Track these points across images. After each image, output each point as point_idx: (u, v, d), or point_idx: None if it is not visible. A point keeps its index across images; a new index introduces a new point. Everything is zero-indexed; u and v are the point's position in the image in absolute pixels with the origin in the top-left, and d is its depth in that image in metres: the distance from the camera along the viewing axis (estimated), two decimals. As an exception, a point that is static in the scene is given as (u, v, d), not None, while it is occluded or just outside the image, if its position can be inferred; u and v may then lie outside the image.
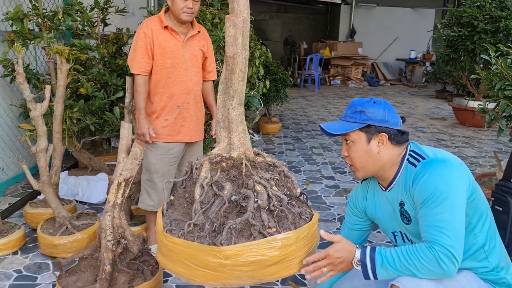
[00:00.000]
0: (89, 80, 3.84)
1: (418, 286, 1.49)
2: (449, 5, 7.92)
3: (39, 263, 2.88)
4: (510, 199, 2.26)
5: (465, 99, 7.71)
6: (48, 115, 3.48)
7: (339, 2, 13.77)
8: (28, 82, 3.58)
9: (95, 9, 4.29)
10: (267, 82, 4.62)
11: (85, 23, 4.19)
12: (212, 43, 3.03)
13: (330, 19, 16.26)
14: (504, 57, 2.96)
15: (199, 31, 2.82)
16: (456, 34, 6.71)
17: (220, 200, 1.57)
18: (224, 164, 1.70)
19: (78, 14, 4.05)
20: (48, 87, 2.89)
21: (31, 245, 3.10)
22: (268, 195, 1.57)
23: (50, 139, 3.05)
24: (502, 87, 2.81)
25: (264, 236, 1.48)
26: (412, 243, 1.70)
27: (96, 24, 4.35)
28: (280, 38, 15.85)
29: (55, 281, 2.65)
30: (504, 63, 2.83)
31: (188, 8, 2.62)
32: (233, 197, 1.58)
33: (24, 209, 3.40)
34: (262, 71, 4.36)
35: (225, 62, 1.72)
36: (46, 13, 3.67)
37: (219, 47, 3.71)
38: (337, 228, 3.49)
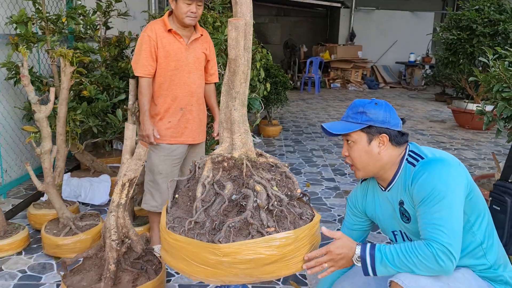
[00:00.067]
0: (92, 82, 3.88)
1: (417, 283, 1.52)
2: (448, 8, 7.96)
3: (43, 263, 2.91)
4: (508, 199, 2.30)
5: (464, 101, 7.75)
6: (51, 117, 3.52)
7: (339, 5, 13.84)
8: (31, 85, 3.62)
9: (98, 13, 4.34)
10: (268, 85, 4.66)
11: (88, 27, 4.24)
12: (214, 46, 3.07)
13: (329, 23, 16.33)
14: (502, 59, 3.00)
15: (202, 35, 2.87)
16: (455, 37, 6.76)
17: (221, 199, 1.61)
18: (225, 164, 1.73)
19: (81, 17, 4.09)
20: (52, 90, 2.93)
21: (35, 245, 3.14)
22: (267, 195, 1.59)
23: (53, 141, 3.08)
24: (500, 89, 2.86)
25: (263, 235, 1.51)
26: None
27: (98, 27, 4.40)
28: (280, 41, 15.92)
29: (59, 281, 2.68)
30: (502, 65, 2.87)
31: (191, 12, 2.67)
32: (234, 196, 1.61)
33: (27, 210, 3.43)
34: (263, 74, 4.41)
35: (228, 64, 1.76)
36: (50, 17, 3.72)
37: (221, 50, 3.75)
38: (338, 229, 3.51)
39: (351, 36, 14.71)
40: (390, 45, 14.99)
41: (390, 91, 13.26)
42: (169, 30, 2.74)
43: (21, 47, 2.80)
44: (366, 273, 1.58)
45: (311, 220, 1.64)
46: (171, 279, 2.73)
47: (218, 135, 3.01)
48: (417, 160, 1.68)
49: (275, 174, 1.75)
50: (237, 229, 1.53)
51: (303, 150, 6.11)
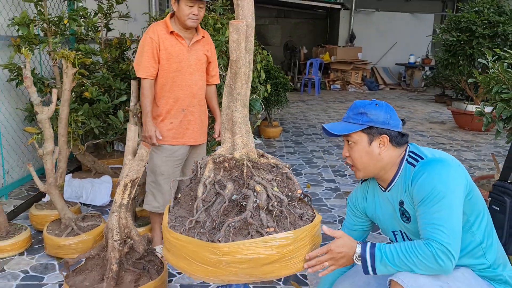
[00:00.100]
0: (94, 84, 3.90)
1: (416, 282, 1.54)
2: (447, 10, 7.98)
3: (45, 263, 2.93)
4: (507, 199, 2.31)
5: (464, 103, 7.77)
6: (53, 119, 3.54)
7: (339, 7, 13.87)
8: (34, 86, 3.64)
9: (99, 14, 4.36)
10: (268, 86, 4.68)
11: (89, 28, 4.26)
12: (215, 48, 3.10)
13: (329, 24, 16.37)
14: (501, 61, 3.02)
15: (203, 36, 2.89)
16: (455, 39, 6.79)
17: (221, 198, 1.63)
18: (226, 164, 1.75)
19: (83, 19, 4.11)
20: (55, 91, 2.95)
21: (36, 246, 3.15)
22: (267, 195, 1.61)
23: (55, 142, 3.10)
24: (499, 91, 2.88)
25: (262, 235, 1.52)
26: None
27: (99, 29, 4.42)
28: (280, 43, 15.96)
29: (61, 281, 2.70)
30: (501, 67, 2.89)
31: (193, 14, 2.69)
32: (234, 196, 1.63)
33: (29, 211, 3.45)
34: (263, 76, 4.43)
35: (229, 65, 1.78)
36: (52, 19, 3.74)
37: (221, 52, 3.78)
38: (338, 230, 3.53)
39: (351, 37, 14.75)
40: (390, 47, 15.02)
41: (390, 93, 13.29)
42: (171, 32, 2.76)
43: (23, 49, 2.82)
44: (366, 271, 1.59)
45: (312, 221, 1.65)
46: (172, 279, 2.74)
47: (219, 136, 3.03)
48: (417, 161, 1.69)
49: (276, 175, 1.76)
50: (236, 229, 1.55)
51: (304, 151, 6.13)
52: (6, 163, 3.94)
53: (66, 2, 4.66)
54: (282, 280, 2.75)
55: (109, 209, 3.83)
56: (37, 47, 3.66)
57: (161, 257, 2.47)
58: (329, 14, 16.07)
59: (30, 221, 3.41)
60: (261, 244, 1.50)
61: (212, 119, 3.34)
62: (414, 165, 1.69)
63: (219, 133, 3.03)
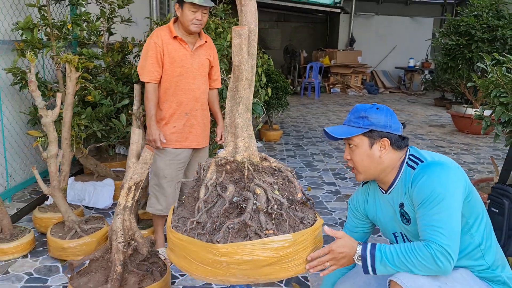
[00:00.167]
0: (96, 88, 3.93)
1: (416, 282, 1.56)
2: (447, 14, 8.03)
3: (49, 265, 2.95)
4: (506, 201, 2.34)
5: (464, 106, 7.81)
6: (56, 122, 3.57)
7: (338, 11, 13.93)
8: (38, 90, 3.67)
9: (101, 19, 4.40)
10: (269, 90, 4.71)
11: (92, 32, 4.30)
12: (217, 52, 3.13)
13: (329, 28, 16.43)
14: (500, 65, 3.06)
15: (206, 41, 2.93)
16: (454, 43, 6.83)
17: (222, 200, 1.66)
18: (228, 167, 1.78)
19: (86, 23, 4.15)
20: (59, 95, 2.99)
21: (40, 248, 3.18)
22: (267, 198, 1.63)
23: (58, 146, 3.13)
24: (497, 94, 2.91)
25: (260, 237, 1.54)
26: None
27: (102, 33, 4.46)
28: (280, 47, 16.02)
29: (65, 283, 2.73)
30: (500, 71, 2.93)
31: (197, 19, 2.73)
32: (235, 199, 1.66)
33: (33, 213, 3.47)
34: (264, 79, 4.46)
35: (232, 70, 1.81)
36: (55, 23, 3.78)
37: (223, 56, 3.81)
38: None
39: (351, 41, 14.80)
40: (390, 51, 15.08)
41: (390, 96, 13.33)
42: (175, 37, 2.80)
43: (28, 53, 2.86)
44: (366, 271, 1.62)
45: (312, 224, 1.67)
46: (175, 281, 2.77)
47: (221, 139, 3.06)
48: (417, 164, 1.72)
49: (278, 178, 1.78)
50: (235, 231, 1.57)
51: (304, 154, 6.16)
52: (9, 166, 3.97)
53: (68, 7, 4.70)
54: (283, 282, 2.77)
55: (112, 212, 3.87)
56: (41, 51, 3.70)
57: (164, 259, 2.50)
58: (329, 18, 16.13)
59: (34, 224, 3.44)
60: (259, 246, 1.52)
61: (213, 123, 3.37)
62: (414, 168, 1.72)
63: (221, 137, 3.07)
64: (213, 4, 2.94)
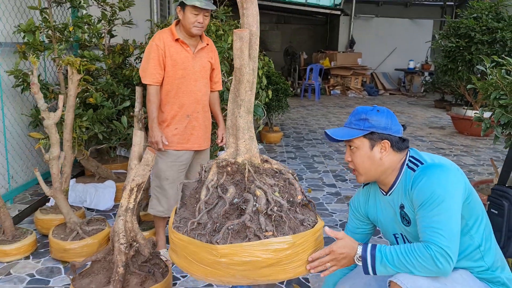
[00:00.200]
0: (97, 90, 3.95)
1: (415, 283, 1.58)
2: (446, 16, 8.05)
3: (51, 267, 2.97)
4: (505, 203, 2.35)
5: (463, 108, 7.83)
6: (58, 124, 3.59)
7: (338, 13, 13.97)
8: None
9: (102, 21, 4.42)
10: (270, 92, 4.73)
11: (93, 35, 4.32)
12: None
13: (329, 30, 16.47)
14: (499, 67, 3.08)
15: (207, 44, 2.95)
16: (454, 45, 6.85)
17: (223, 201, 1.67)
18: (229, 169, 1.79)
19: (87, 26, 4.17)
20: (61, 97, 3.00)
21: (42, 250, 3.19)
22: (267, 200, 1.64)
23: (60, 147, 3.15)
24: (497, 97, 2.93)
25: (260, 239, 1.56)
26: None
27: (103, 35, 4.48)
28: (281, 49, 16.06)
29: (67, 284, 2.74)
30: (499, 73, 2.94)
31: (198, 22, 2.75)
32: (235, 200, 1.68)
33: (34, 215, 3.49)
34: (265, 81, 4.48)
35: (234, 73, 1.83)
36: (57, 26, 3.80)
37: (224, 58, 3.83)
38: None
39: (351, 43, 14.84)
40: (390, 52, 15.11)
41: (390, 98, 13.35)
42: (176, 40, 2.82)
43: (31, 56, 2.87)
44: (366, 272, 1.64)
45: (313, 227, 1.68)
46: (177, 283, 2.78)
47: (221, 141, 3.08)
48: (417, 166, 1.73)
49: (279, 180, 1.80)
50: (235, 232, 1.58)
51: (304, 156, 6.18)
52: (11, 168, 3.99)
53: (70, 9, 4.72)
54: (284, 283, 2.79)
55: (113, 214, 3.88)
56: (42, 53, 3.72)
57: (166, 260, 2.51)
58: (329, 20, 16.17)
59: (35, 225, 3.45)
60: (258, 247, 1.53)
61: (214, 124, 3.39)
62: (414, 170, 1.73)
63: (222, 139, 3.09)
64: (215, 7, 2.96)
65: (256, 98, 4.35)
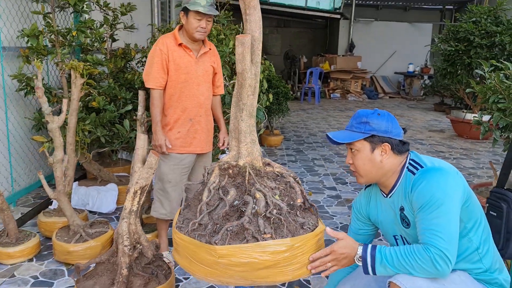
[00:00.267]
0: (100, 94, 3.98)
1: (414, 284, 1.60)
2: (446, 20, 8.10)
3: (54, 269, 2.99)
4: (504, 205, 2.37)
5: (463, 111, 7.87)
6: (61, 128, 3.62)
7: (338, 17, 14.03)
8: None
9: (105, 26, 4.46)
10: (270, 96, 4.76)
11: (95, 39, 4.35)
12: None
13: (329, 34, 16.53)
14: (498, 71, 3.12)
15: (210, 49, 2.99)
16: (453, 49, 6.90)
17: (223, 203, 1.71)
18: (231, 171, 1.83)
19: (90, 30, 4.21)
20: (65, 101, 3.04)
21: (45, 252, 3.22)
22: (266, 202, 1.67)
23: (63, 151, 3.17)
24: (495, 100, 2.96)
25: (258, 241, 1.58)
26: None
27: (105, 39, 4.51)
28: (281, 52, 16.12)
29: (70, 286, 2.77)
30: (497, 77, 2.98)
31: (201, 27, 2.79)
32: (235, 202, 1.71)
33: (38, 218, 3.51)
34: (265, 85, 4.51)
35: (236, 77, 1.86)
36: (60, 30, 3.84)
37: (225, 62, 3.87)
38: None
39: (351, 47, 14.90)
40: (389, 56, 15.16)
41: (390, 101, 13.39)
42: (180, 44, 2.86)
43: (35, 60, 2.91)
44: (366, 272, 1.67)
45: (313, 230, 1.70)
46: (179, 284, 2.81)
47: (223, 145, 3.11)
48: (417, 169, 1.76)
49: (280, 183, 1.82)
50: (234, 233, 1.61)
51: (305, 159, 6.21)
52: (14, 171, 4.02)
53: (73, 14, 4.76)
54: (286, 285, 2.81)
55: (115, 216, 3.91)
56: (46, 58, 3.75)
57: (169, 262, 2.54)
58: (329, 23, 16.24)
59: (38, 228, 3.48)
60: (255, 249, 1.56)
61: (215, 128, 3.42)
62: (414, 173, 1.76)
63: (223, 142, 3.12)
64: (218, 13, 3.00)
65: (257, 102, 4.39)
